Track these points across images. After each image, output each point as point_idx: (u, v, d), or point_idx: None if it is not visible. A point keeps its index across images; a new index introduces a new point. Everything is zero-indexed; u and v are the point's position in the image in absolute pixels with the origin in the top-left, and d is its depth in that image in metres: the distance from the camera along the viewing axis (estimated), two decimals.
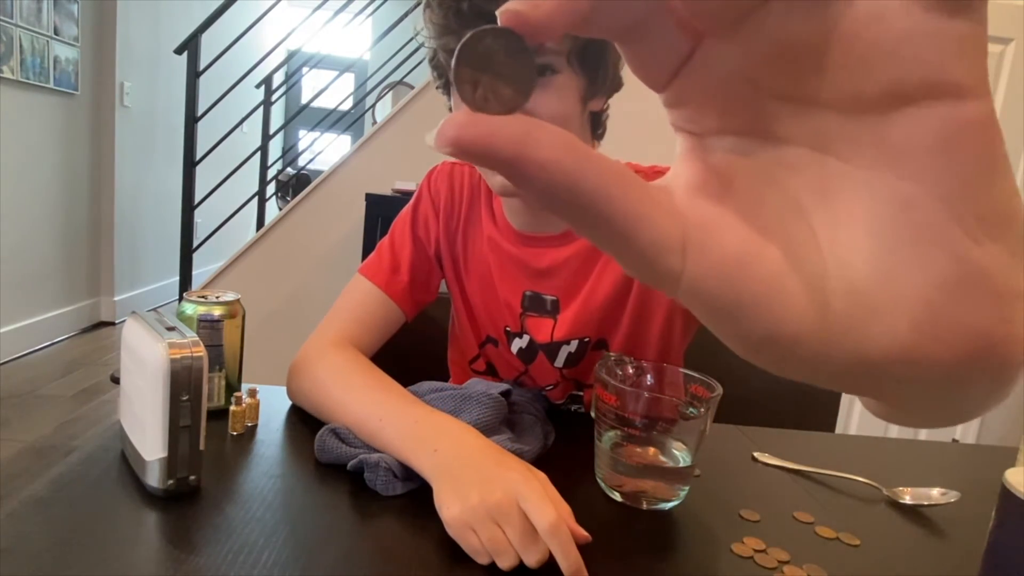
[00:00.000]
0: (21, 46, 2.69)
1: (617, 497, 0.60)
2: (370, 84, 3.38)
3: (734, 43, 0.14)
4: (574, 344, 0.79)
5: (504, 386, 0.69)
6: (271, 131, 3.35)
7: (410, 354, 0.91)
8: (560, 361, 0.80)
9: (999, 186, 0.13)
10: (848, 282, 0.14)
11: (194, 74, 2.51)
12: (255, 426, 0.68)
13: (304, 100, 3.12)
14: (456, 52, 0.15)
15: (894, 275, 0.13)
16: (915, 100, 0.12)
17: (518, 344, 0.82)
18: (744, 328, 0.15)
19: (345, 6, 2.55)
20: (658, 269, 0.14)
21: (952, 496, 0.64)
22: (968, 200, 0.13)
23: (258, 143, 3.17)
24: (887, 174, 0.13)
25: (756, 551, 0.54)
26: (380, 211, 2.13)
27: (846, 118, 0.14)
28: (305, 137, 4.96)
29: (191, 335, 0.53)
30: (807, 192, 0.15)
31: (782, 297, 0.14)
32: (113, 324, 3.39)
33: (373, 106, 3.79)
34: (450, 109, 0.74)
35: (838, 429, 1.11)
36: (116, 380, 2.59)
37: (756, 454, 0.73)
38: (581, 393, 0.84)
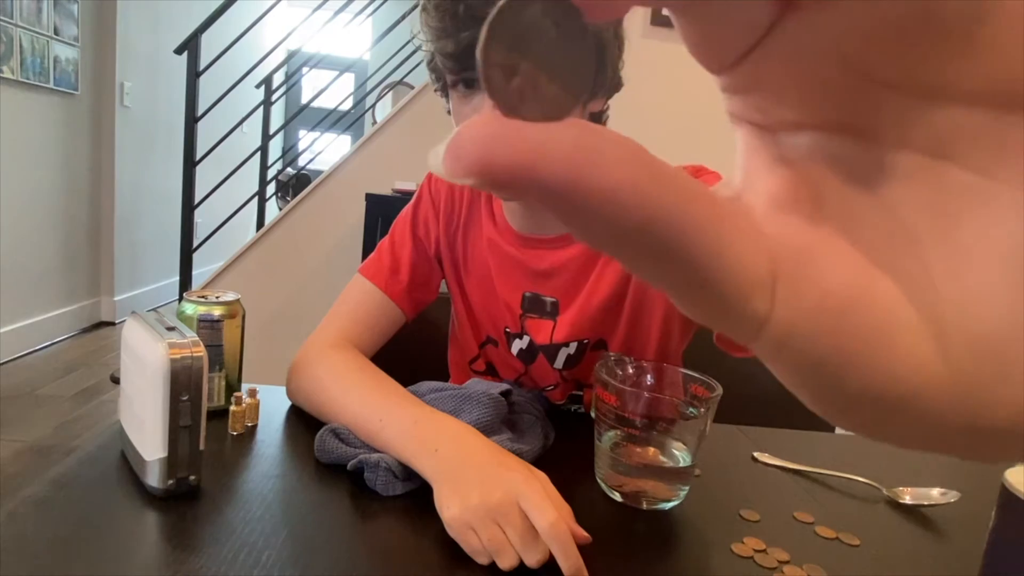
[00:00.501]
0: (21, 46, 2.69)
1: (617, 497, 0.60)
2: (370, 84, 3.38)
3: (836, 11, 0.10)
4: (573, 346, 0.79)
5: (504, 386, 0.69)
6: (271, 131, 3.35)
7: (410, 354, 0.91)
8: (559, 363, 0.80)
9: None
10: (977, 329, 0.11)
11: (194, 74, 2.51)
12: (255, 426, 0.68)
13: (304, 100, 3.12)
14: (487, 24, 0.11)
15: None
16: None
17: (518, 345, 0.82)
18: (845, 385, 0.11)
19: (345, 6, 2.54)
20: (738, 314, 0.11)
21: (952, 496, 0.64)
22: None
23: (258, 143, 3.17)
24: None
25: (756, 551, 0.54)
26: (380, 211, 2.14)
27: (990, 116, 0.10)
28: (305, 137, 4.95)
29: (191, 335, 0.53)
30: (920, 212, 0.11)
31: (902, 345, 0.11)
32: (113, 324, 3.39)
33: (373, 106, 3.79)
34: (448, 112, 0.74)
35: (838, 429, 1.11)
36: (116, 380, 2.59)
37: (756, 454, 0.73)
38: (581, 393, 0.84)
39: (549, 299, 0.79)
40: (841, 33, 0.11)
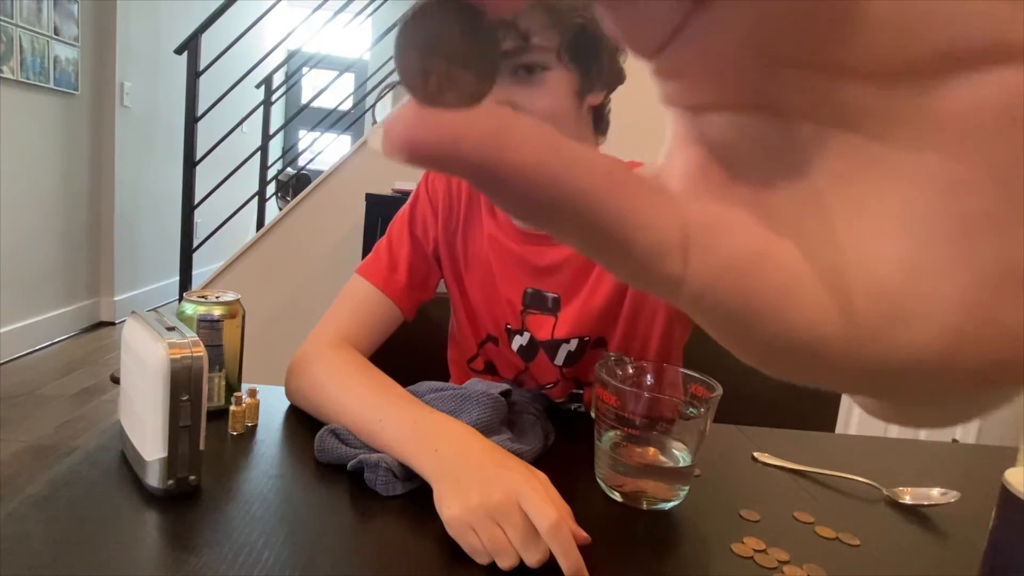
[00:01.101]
0: (21, 46, 2.69)
1: (617, 497, 0.60)
2: (370, 84, 3.38)
3: (737, 7, 0.12)
4: (574, 343, 0.79)
5: (504, 386, 0.69)
6: (271, 131, 3.35)
7: (410, 354, 0.91)
8: (560, 359, 0.80)
9: None
10: (874, 281, 0.12)
11: (194, 74, 2.51)
12: (255, 426, 0.68)
13: (304, 100, 3.12)
14: (398, 33, 0.12)
15: (932, 272, 0.12)
16: (974, 65, 0.10)
17: (519, 342, 0.82)
18: (755, 336, 0.13)
19: (345, 6, 2.55)
20: (655, 275, 0.12)
21: (952, 496, 0.64)
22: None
23: (258, 143, 3.18)
24: (933, 154, 0.11)
25: (756, 551, 0.54)
26: (380, 211, 2.14)
27: (880, 88, 0.11)
28: (305, 137, 4.95)
29: (191, 335, 0.53)
30: (826, 177, 0.13)
31: (801, 300, 0.12)
32: (113, 324, 3.39)
33: (373, 106, 3.79)
34: None
35: (838, 429, 1.11)
36: (116, 380, 2.59)
37: (756, 454, 0.73)
38: (581, 391, 0.84)
39: (551, 295, 0.80)
40: (744, 24, 0.12)
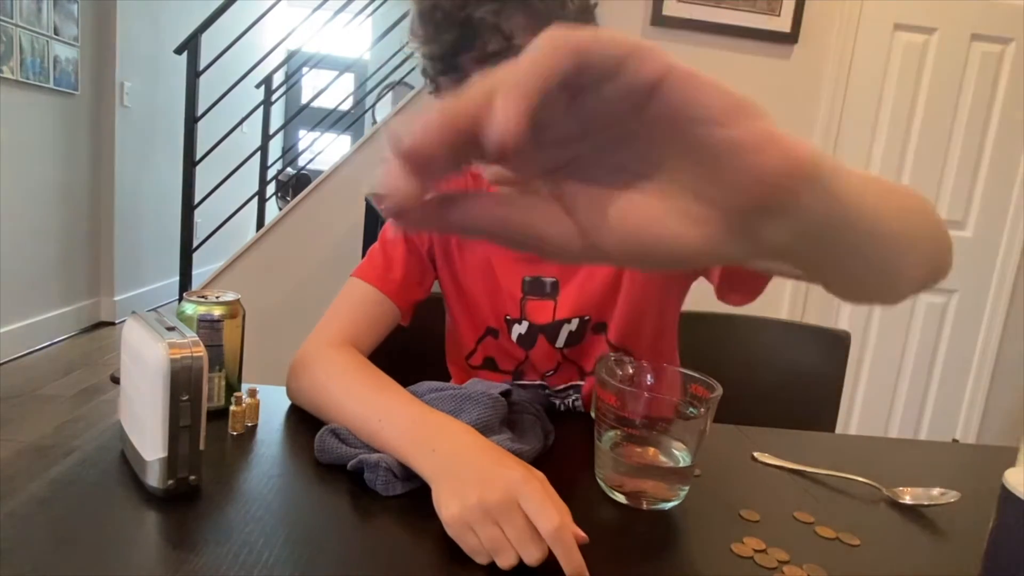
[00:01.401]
0: (21, 46, 2.69)
1: (618, 497, 0.60)
2: (370, 84, 3.38)
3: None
4: (575, 323, 0.81)
5: (504, 386, 0.69)
6: (271, 131, 3.35)
7: (410, 354, 0.91)
8: (561, 341, 0.82)
9: (720, 89, 0.20)
10: (701, 200, 0.22)
11: (194, 74, 2.51)
12: (255, 426, 0.68)
13: (304, 100, 3.11)
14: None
15: (719, 174, 0.21)
16: (648, 101, 0.20)
17: (517, 331, 0.83)
18: (653, 262, 0.23)
19: (345, 6, 2.55)
20: (569, 253, 0.23)
21: (952, 496, 0.64)
22: (716, 113, 0.20)
23: (258, 143, 3.17)
24: (674, 139, 0.21)
25: (756, 551, 0.54)
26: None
27: (642, 127, 0.21)
28: (305, 137, 4.95)
29: (191, 335, 0.53)
30: (639, 166, 0.22)
31: (673, 230, 0.22)
32: (113, 324, 3.39)
33: (373, 106, 3.79)
34: None
35: (838, 429, 1.11)
36: (116, 380, 2.59)
37: (756, 454, 0.73)
38: (582, 382, 0.85)
39: (549, 280, 0.81)
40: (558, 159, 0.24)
